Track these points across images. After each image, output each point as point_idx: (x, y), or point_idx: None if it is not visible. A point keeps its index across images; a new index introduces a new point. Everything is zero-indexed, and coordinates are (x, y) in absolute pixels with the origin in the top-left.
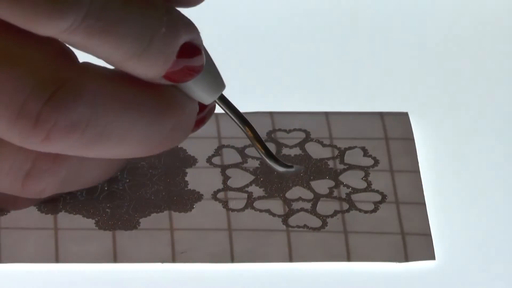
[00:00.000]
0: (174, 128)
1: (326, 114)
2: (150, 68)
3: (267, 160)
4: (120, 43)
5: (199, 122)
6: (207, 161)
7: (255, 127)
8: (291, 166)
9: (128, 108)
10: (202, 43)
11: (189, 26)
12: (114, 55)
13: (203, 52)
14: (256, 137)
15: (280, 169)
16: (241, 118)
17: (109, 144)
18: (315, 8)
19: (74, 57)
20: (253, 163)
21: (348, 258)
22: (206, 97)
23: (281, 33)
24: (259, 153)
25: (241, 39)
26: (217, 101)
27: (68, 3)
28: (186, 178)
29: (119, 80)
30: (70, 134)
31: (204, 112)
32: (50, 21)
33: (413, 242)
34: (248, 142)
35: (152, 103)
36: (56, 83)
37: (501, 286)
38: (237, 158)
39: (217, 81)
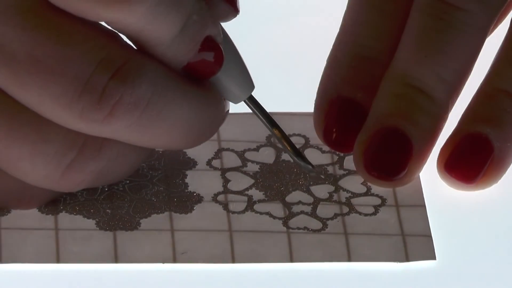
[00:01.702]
0: (215, 119)
1: None
2: (177, 53)
3: (297, 160)
4: (161, 24)
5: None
6: (207, 164)
7: (254, 131)
8: (311, 165)
9: (183, 92)
10: (222, 41)
11: (215, 21)
12: (151, 36)
13: (222, 50)
14: (284, 137)
15: (309, 168)
16: (269, 119)
17: (163, 128)
18: (316, 9)
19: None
20: (253, 167)
21: (349, 258)
22: (236, 97)
23: (281, 33)
24: (288, 153)
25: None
26: (246, 101)
27: None
28: (186, 180)
29: (170, 68)
30: (133, 111)
31: (226, 108)
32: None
33: (414, 242)
34: (248, 146)
35: (199, 92)
36: (121, 60)
37: (501, 287)
38: (237, 162)
39: (247, 82)
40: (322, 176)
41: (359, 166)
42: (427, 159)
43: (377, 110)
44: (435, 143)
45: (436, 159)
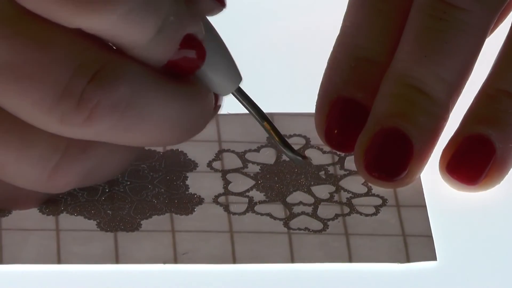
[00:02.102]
0: (201, 115)
1: None
2: (155, 54)
3: (286, 152)
4: (134, 29)
5: (214, 112)
6: (207, 166)
7: (254, 132)
8: (305, 157)
9: (164, 91)
10: (204, 37)
11: (195, 18)
12: (126, 40)
13: (204, 47)
14: (274, 129)
15: (300, 162)
16: (258, 111)
17: (145, 127)
18: (316, 10)
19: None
20: (253, 168)
21: (350, 259)
22: (224, 89)
23: (281, 34)
24: (277, 145)
25: (241, 40)
26: (234, 93)
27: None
28: (187, 182)
29: (151, 67)
30: (112, 113)
31: (219, 101)
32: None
33: (415, 243)
34: (248, 147)
35: (183, 87)
36: (99, 64)
37: (501, 287)
38: (238, 163)
39: (235, 74)
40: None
41: (360, 167)
42: (428, 159)
43: (377, 111)
44: (436, 143)
45: (438, 160)
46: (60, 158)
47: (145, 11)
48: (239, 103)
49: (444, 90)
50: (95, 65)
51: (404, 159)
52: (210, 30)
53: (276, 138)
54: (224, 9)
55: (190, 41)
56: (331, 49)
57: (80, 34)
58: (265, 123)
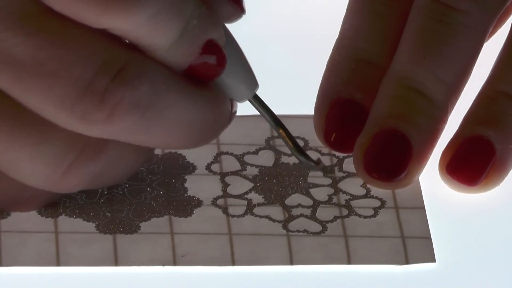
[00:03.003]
0: (218, 120)
1: None
2: (176, 57)
3: (303, 160)
4: (159, 31)
5: (230, 118)
6: (206, 168)
7: (253, 134)
8: (318, 164)
9: (184, 93)
10: (224, 43)
11: (217, 24)
12: (150, 42)
13: (225, 54)
14: (289, 136)
15: (315, 168)
16: (274, 118)
17: (163, 128)
18: (316, 11)
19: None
20: (252, 171)
21: (349, 261)
22: (241, 95)
23: (281, 36)
24: (294, 154)
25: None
26: (251, 100)
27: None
28: (186, 185)
29: (172, 69)
30: (133, 112)
31: (234, 107)
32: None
33: (413, 245)
34: (247, 149)
35: (203, 92)
36: (122, 62)
37: None
38: (236, 166)
39: (252, 80)
40: (328, 175)
41: (359, 168)
42: (427, 160)
43: (376, 112)
44: (435, 145)
45: (438, 162)
46: (76, 158)
47: (171, 13)
48: (256, 109)
49: (443, 91)
50: (119, 63)
51: (403, 160)
52: (228, 36)
53: (291, 145)
54: (243, 15)
55: (211, 47)
56: (330, 50)
57: (103, 33)
58: (280, 130)
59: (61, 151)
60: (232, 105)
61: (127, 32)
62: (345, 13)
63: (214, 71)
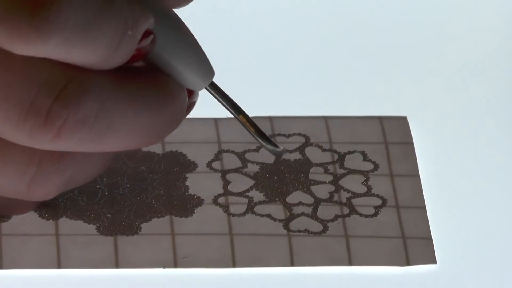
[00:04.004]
0: (173, 116)
1: (325, 118)
2: (116, 62)
3: (264, 144)
4: (94, 51)
5: (189, 109)
6: (207, 166)
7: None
8: (277, 147)
9: (132, 100)
10: (153, 25)
11: (147, 16)
12: (88, 61)
13: (154, 33)
14: (249, 121)
15: (277, 151)
16: (233, 105)
17: (116, 137)
18: (314, 13)
19: None
20: (253, 168)
21: (350, 262)
22: (197, 84)
23: (280, 37)
24: (254, 137)
25: (241, 43)
26: (208, 88)
27: (50, 28)
28: (187, 183)
29: (119, 74)
30: (80, 129)
31: (192, 98)
32: (31, 44)
33: (414, 246)
34: (248, 147)
35: (152, 94)
36: (64, 80)
37: None
38: (237, 163)
39: (207, 68)
40: (288, 152)
41: None
42: None
43: None
44: None
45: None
46: (36, 172)
47: (88, 34)
48: (213, 97)
49: None
50: (60, 82)
51: None
52: (179, 25)
53: (252, 129)
54: (191, 1)
55: (144, 36)
56: (329, 52)
57: None
58: (240, 116)
59: (20, 168)
60: (191, 96)
61: (49, 55)
62: None
63: (148, 51)
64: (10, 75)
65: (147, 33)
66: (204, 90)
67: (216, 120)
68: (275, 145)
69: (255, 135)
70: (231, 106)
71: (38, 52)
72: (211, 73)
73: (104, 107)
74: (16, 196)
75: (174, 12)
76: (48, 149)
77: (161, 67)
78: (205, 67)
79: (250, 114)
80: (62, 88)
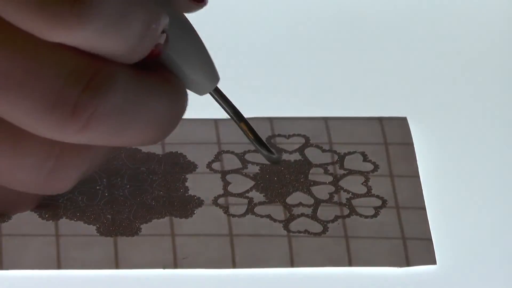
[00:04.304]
0: (180, 113)
1: (325, 119)
2: (134, 57)
3: (264, 152)
4: (113, 41)
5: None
6: (207, 167)
7: None
8: (280, 155)
9: (151, 94)
10: (167, 26)
11: (165, 15)
12: (114, 51)
13: (167, 36)
14: (250, 129)
15: (275, 158)
16: (235, 111)
17: (136, 130)
18: (314, 13)
19: None
20: (253, 169)
21: (350, 263)
22: (202, 89)
23: (280, 37)
24: (254, 145)
25: (241, 43)
26: (212, 93)
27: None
28: (187, 184)
29: (138, 70)
30: (106, 121)
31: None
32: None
33: (414, 247)
34: (248, 148)
35: (167, 89)
36: (91, 71)
37: None
38: (237, 164)
39: (213, 74)
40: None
41: None
42: None
43: None
44: None
45: None
46: (54, 165)
47: (120, 24)
48: (216, 103)
49: None
50: (88, 72)
51: None
52: (189, 29)
53: (252, 137)
54: (204, 6)
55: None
56: (328, 53)
57: None
58: (241, 124)
59: (38, 161)
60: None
61: (77, 44)
62: None
63: (159, 52)
64: (37, 64)
65: (164, 36)
66: (207, 94)
67: (216, 121)
68: (273, 152)
69: (255, 143)
70: (233, 112)
71: (73, 39)
72: (216, 78)
73: (128, 99)
74: (31, 189)
75: (185, 16)
76: (71, 141)
77: (170, 68)
78: (211, 73)
79: (250, 115)
80: (90, 78)
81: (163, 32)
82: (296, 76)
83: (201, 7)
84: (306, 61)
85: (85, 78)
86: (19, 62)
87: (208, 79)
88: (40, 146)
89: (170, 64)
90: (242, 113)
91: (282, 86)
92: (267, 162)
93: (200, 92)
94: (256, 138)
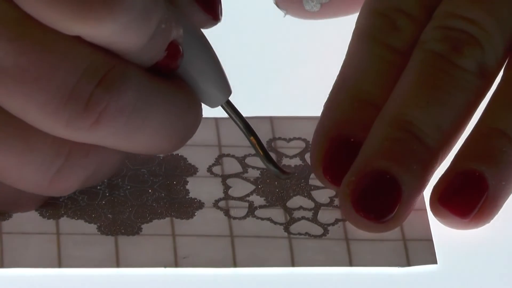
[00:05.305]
0: (194, 123)
1: None
2: (144, 58)
3: (271, 168)
4: (131, 36)
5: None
6: (207, 171)
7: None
8: (288, 173)
9: (165, 96)
10: (182, 41)
11: (179, 25)
12: (121, 46)
13: (181, 49)
14: (259, 144)
15: (282, 176)
16: (245, 124)
17: (146, 133)
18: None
19: None
20: (253, 173)
21: (350, 263)
22: (214, 101)
23: (280, 37)
24: (262, 160)
25: (241, 43)
26: (223, 105)
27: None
28: (187, 187)
29: (151, 73)
30: (119, 118)
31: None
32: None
33: (415, 247)
34: (248, 151)
35: (181, 95)
36: (106, 67)
37: None
38: (238, 168)
39: (225, 86)
40: (302, 184)
41: (346, 205)
42: (413, 207)
43: (368, 152)
44: (422, 192)
45: (430, 196)
46: (63, 164)
47: (143, 19)
48: (228, 115)
49: (440, 140)
50: (102, 69)
51: (392, 203)
52: (203, 41)
53: (261, 153)
54: (219, 23)
55: (172, 46)
56: (334, 53)
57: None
58: (251, 138)
59: (47, 159)
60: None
61: (98, 38)
62: (348, 54)
63: (173, 66)
64: (54, 59)
65: (176, 45)
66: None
67: (216, 120)
68: (282, 170)
69: (263, 159)
70: (244, 127)
71: (100, 32)
72: (229, 91)
73: (141, 98)
74: (35, 189)
75: (200, 31)
76: (81, 139)
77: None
78: (223, 86)
79: (251, 114)
80: (104, 75)
81: (178, 46)
82: (296, 75)
83: (216, 23)
84: (306, 60)
85: (99, 73)
86: (36, 57)
87: (221, 92)
88: (50, 144)
89: (184, 75)
90: (243, 112)
91: (282, 86)
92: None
93: (212, 105)
94: (265, 155)
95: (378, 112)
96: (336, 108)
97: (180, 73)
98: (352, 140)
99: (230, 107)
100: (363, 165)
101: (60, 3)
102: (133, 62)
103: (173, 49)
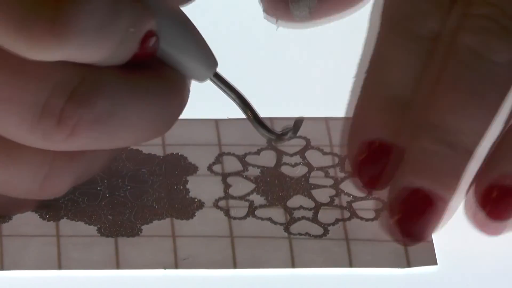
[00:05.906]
0: (179, 106)
1: (326, 119)
2: (118, 59)
3: (264, 132)
4: (94, 51)
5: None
6: (208, 169)
7: (255, 134)
8: (285, 134)
9: (142, 93)
10: (156, 27)
11: (152, 16)
12: (91, 60)
13: (157, 36)
14: (252, 113)
15: (278, 139)
16: (237, 95)
17: (129, 131)
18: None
19: None
20: (254, 171)
21: (350, 264)
22: (201, 76)
23: (280, 38)
24: (254, 125)
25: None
26: (212, 78)
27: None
28: (187, 186)
29: (127, 70)
30: (94, 127)
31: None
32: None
33: (415, 248)
34: (249, 149)
35: (160, 86)
36: (76, 80)
37: None
38: (238, 166)
39: (210, 60)
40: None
41: (394, 230)
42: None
43: (408, 169)
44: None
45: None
46: (48, 171)
47: (102, 37)
48: (218, 88)
49: (474, 143)
50: (72, 82)
51: (430, 224)
52: (181, 17)
53: (256, 121)
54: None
55: (147, 37)
56: (329, 53)
57: None
58: (246, 109)
59: (32, 168)
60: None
61: (58, 59)
62: (376, 46)
63: (150, 53)
64: (22, 79)
65: (150, 34)
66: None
67: (216, 121)
68: (275, 133)
69: (254, 123)
70: (236, 96)
71: (55, 57)
72: (214, 64)
73: (116, 103)
74: (26, 196)
75: (179, 8)
76: (63, 149)
77: (166, 61)
78: (208, 59)
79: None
80: (74, 88)
81: (153, 34)
82: (296, 75)
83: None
84: (306, 60)
85: (69, 88)
86: (5, 78)
87: (205, 66)
88: (33, 155)
89: (165, 57)
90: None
91: (282, 86)
92: (268, 165)
93: (200, 79)
94: (259, 122)
95: (410, 108)
96: (368, 107)
97: (160, 55)
98: (387, 144)
99: (219, 80)
100: (404, 182)
101: (13, 34)
102: (106, 65)
103: (148, 39)
